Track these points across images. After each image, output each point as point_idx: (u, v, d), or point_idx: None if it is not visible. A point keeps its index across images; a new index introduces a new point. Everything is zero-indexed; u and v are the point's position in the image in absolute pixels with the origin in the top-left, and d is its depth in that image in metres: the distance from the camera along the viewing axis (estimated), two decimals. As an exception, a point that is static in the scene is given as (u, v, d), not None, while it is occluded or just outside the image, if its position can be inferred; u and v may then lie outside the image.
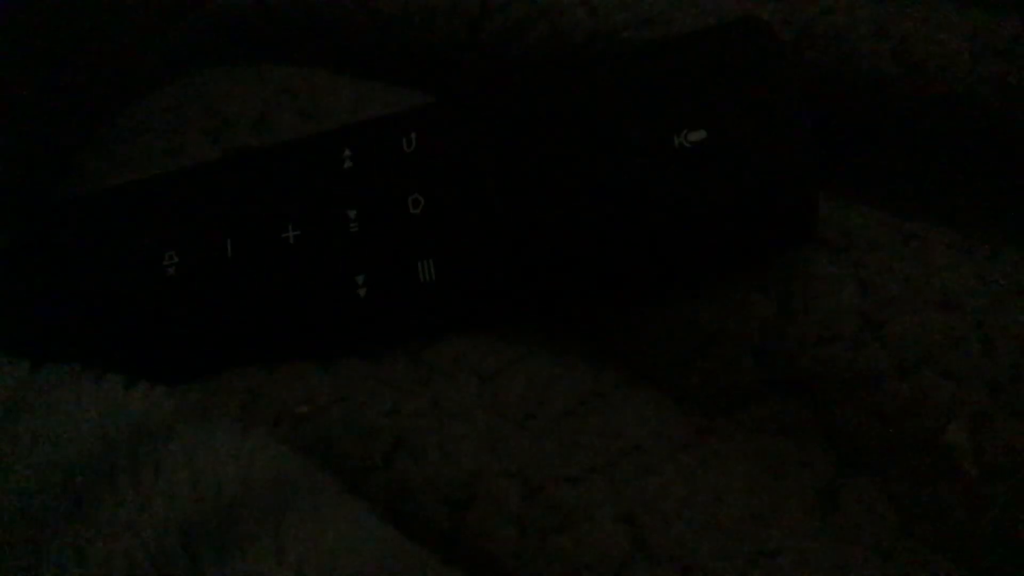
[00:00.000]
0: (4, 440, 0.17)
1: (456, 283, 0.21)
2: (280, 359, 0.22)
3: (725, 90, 0.20)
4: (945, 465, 0.19)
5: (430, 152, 0.21)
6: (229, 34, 0.30)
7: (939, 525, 0.19)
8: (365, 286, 0.21)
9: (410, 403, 0.20)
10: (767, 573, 0.18)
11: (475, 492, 0.19)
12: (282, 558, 0.16)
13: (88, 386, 0.19)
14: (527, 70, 0.24)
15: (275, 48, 0.29)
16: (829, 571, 0.18)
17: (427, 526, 0.19)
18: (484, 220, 0.21)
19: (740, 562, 0.18)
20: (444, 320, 0.22)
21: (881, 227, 0.21)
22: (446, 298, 0.21)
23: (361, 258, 0.21)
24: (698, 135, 0.19)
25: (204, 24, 0.30)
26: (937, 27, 0.22)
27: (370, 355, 0.22)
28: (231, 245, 0.22)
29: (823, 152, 0.20)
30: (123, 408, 0.18)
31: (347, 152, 0.22)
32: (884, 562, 0.19)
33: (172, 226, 0.22)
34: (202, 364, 0.22)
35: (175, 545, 0.16)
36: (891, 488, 0.19)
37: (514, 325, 0.22)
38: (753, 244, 0.20)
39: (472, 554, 0.18)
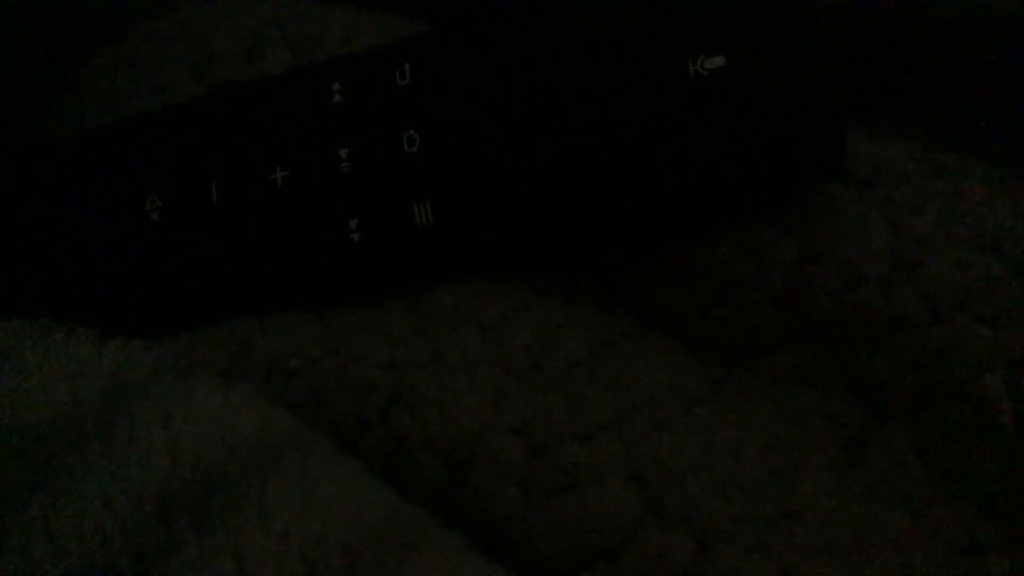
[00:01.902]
0: None
1: (455, 226, 0.20)
2: (270, 309, 0.21)
3: (745, 12, 0.19)
4: (980, 416, 0.18)
5: (425, 85, 0.21)
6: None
7: (972, 480, 0.18)
8: (358, 230, 0.20)
9: (407, 355, 0.20)
10: (789, 536, 0.18)
11: (476, 451, 0.18)
12: (267, 527, 0.16)
13: (58, 341, 0.18)
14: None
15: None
16: (855, 531, 0.18)
17: (426, 487, 0.18)
18: (484, 158, 0.20)
19: (760, 524, 0.18)
20: (443, 266, 0.21)
21: (913, 161, 0.21)
22: (444, 242, 0.20)
23: (353, 200, 0.20)
24: (716, 61, 0.19)
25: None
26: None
27: (365, 304, 0.21)
28: (216, 188, 0.21)
29: (851, 80, 0.19)
30: (95, 365, 0.17)
31: (336, 86, 0.21)
32: (913, 520, 0.18)
33: (155, 169, 0.22)
34: (187, 315, 0.21)
35: (151, 516, 0.16)
36: (921, 441, 0.19)
37: (518, 271, 0.21)
38: (775, 181, 0.20)
39: (474, 516, 0.18)
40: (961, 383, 0.19)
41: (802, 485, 0.18)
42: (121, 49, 0.27)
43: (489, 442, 0.18)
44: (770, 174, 0.19)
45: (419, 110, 0.20)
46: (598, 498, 0.18)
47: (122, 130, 0.23)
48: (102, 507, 0.16)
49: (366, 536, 0.16)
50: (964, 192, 0.20)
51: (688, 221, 0.21)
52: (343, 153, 0.21)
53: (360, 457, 0.19)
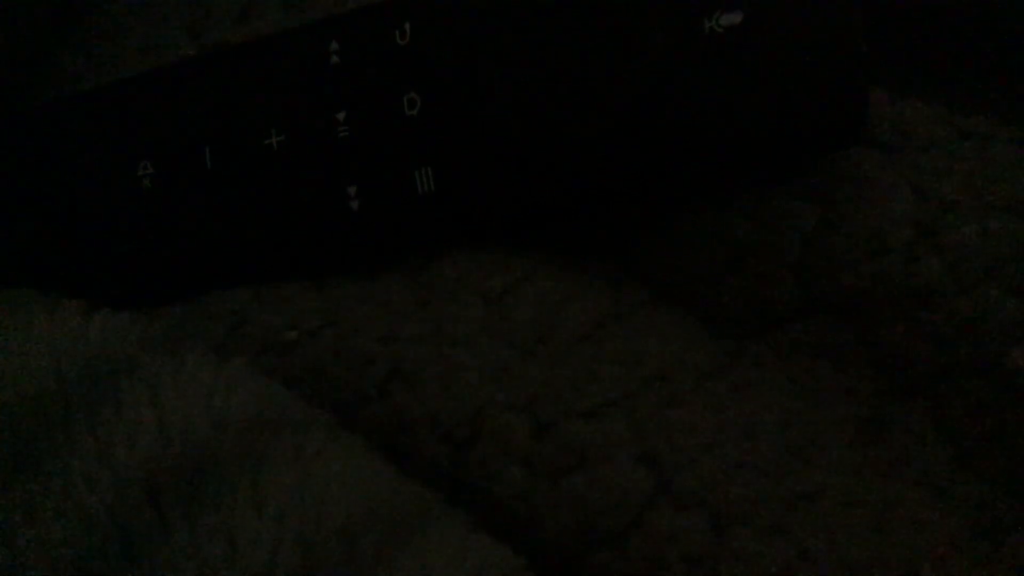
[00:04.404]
0: None
1: (458, 192, 0.20)
2: (265, 280, 0.21)
3: None
4: (1007, 392, 0.18)
5: (427, 44, 0.20)
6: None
7: (997, 458, 0.18)
8: (357, 197, 0.20)
9: (408, 328, 0.20)
10: (806, 517, 0.17)
11: (479, 428, 0.18)
12: (261, 510, 0.15)
13: (40, 314, 0.18)
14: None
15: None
16: (874, 511, 0.18)
17: (428, 464, 0.18)
18: (488, 121, 0.20)
19: (776, 506, 0.17)
20: (445, 235, 0.21)
21: (938, 124, 0.20)
22: (447, 209, 0.20)
23: (352, 166, 0.20)
24: (732, 18, 0.18)
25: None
26: None
27: (364, 274, 0.21)
28: (210, 153, 0.21)
29: (874, 39, 0.19)
30: (81, 339, 0.17)
31: (334, 46, 0.21)
32: (935, 499, 0.18)
33: (147, 133, 0.22)
34: (180, 286, 0.21)
35: (139, 498, 0.15)
36: (944, 417, 0.19)
37: (523, 239, 0.21)
38: (794, 145, 0.19)
39: (477, 496, 0.18)
40: (987, 357, 0.18)
41: (819, 463, 0.18)
42: (115, 9, 0.27)
43: (492, 419, 0.18)
44: (788, 138, 0.19)
45: (420, 70, 0.20)
46: (606, 478, 0.17)
47: (112, 93, 0.23)
48: (88, 489, 0.15)
49: (366, 517, 0.16)
50: (992, 156, 0.20)
51: (702, 188, 0.20)
52: (341, 116, 0.20)
53: (359, 433, 0.18)
